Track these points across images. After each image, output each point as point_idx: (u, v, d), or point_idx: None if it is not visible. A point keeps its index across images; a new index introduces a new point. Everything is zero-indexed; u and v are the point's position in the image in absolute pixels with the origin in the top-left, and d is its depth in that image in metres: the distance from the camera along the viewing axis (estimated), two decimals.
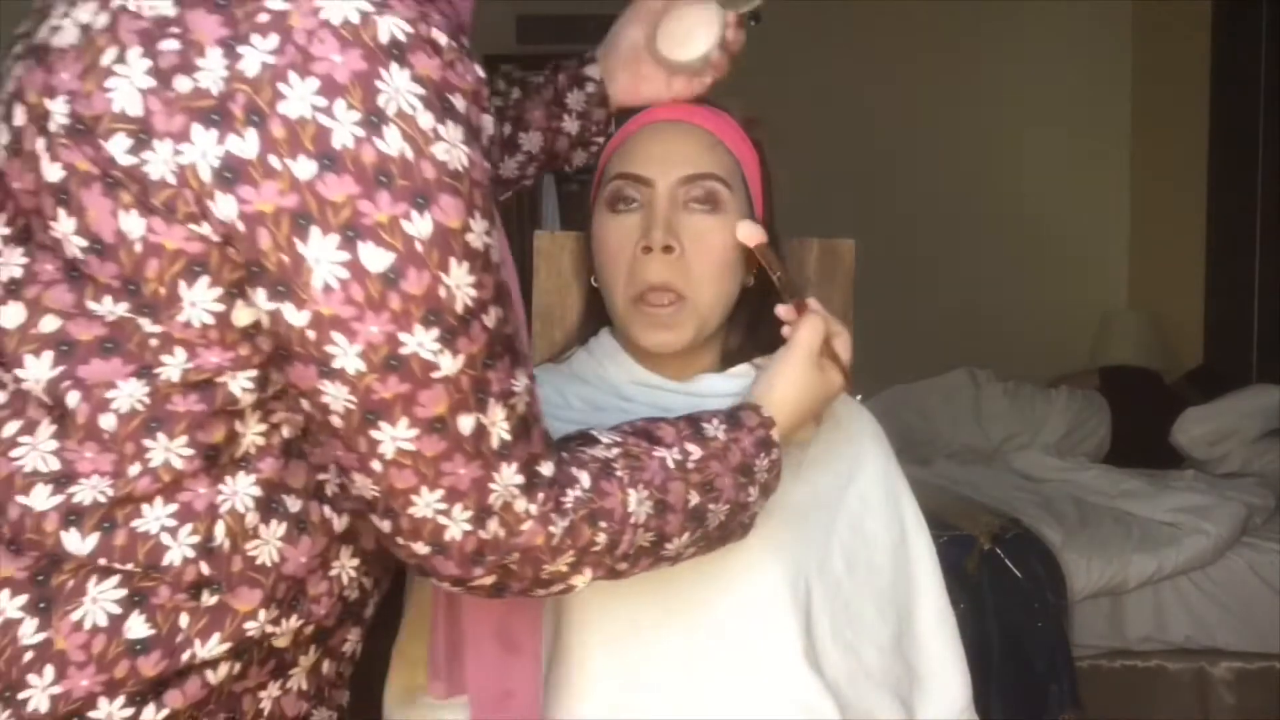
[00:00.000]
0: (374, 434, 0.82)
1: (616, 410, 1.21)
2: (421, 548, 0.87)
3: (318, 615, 0.92)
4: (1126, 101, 4.96)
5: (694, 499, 0.96)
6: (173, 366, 0.82)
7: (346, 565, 0.93)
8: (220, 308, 0.82)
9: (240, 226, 0.79)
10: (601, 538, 0.90)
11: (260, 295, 0.80)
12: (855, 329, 1.43)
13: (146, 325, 0.82)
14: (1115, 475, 3.27)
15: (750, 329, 1.25)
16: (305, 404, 0.84)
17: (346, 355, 0.80)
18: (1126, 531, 2.91)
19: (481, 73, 0.86)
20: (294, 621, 0.90)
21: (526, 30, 5.21)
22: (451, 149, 0.81)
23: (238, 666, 0.88)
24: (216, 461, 0.85)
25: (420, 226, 0.79)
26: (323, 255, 0.78)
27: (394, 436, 0.82)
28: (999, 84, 4.94)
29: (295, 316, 0.80)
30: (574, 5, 5.23)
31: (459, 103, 0.82)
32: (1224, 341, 4.24)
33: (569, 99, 1.29)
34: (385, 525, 0.87)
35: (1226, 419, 3.49)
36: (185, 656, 0.85)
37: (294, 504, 0.88)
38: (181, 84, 0.78)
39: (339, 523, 0.91)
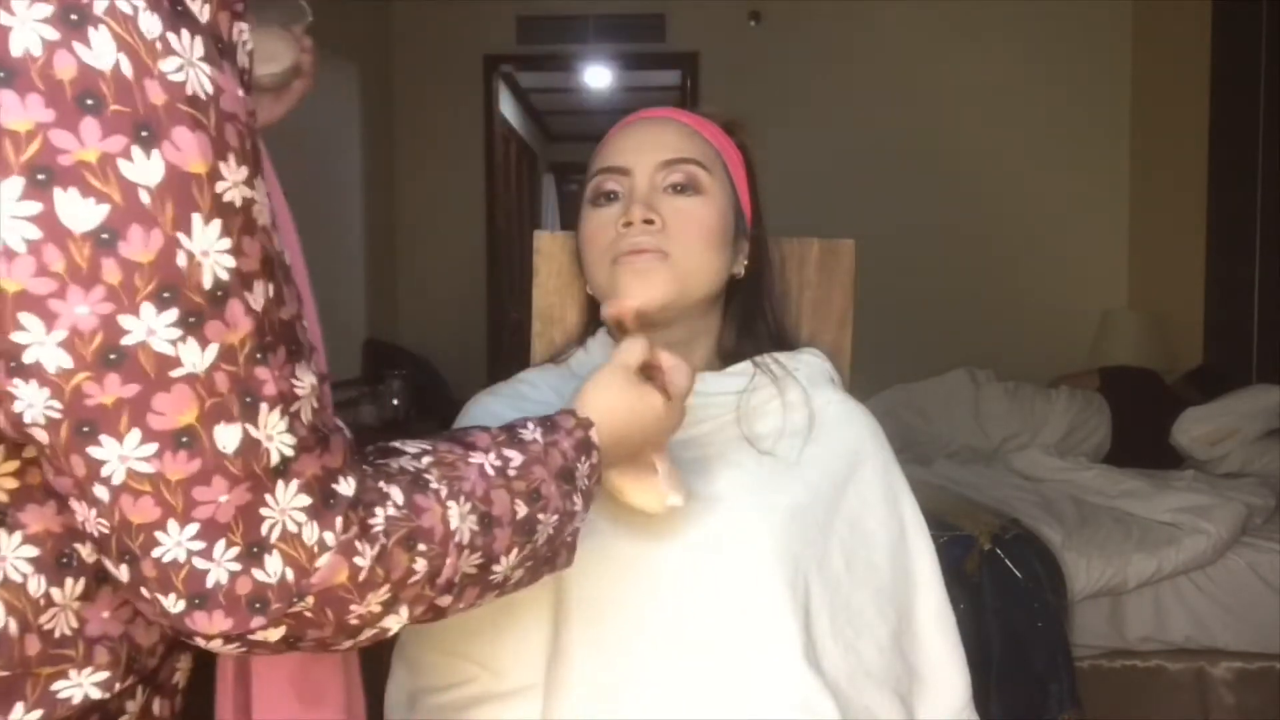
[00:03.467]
0: (93, 452, 0.62)
1: None
2: (175, 603, 0.65)
3: (153, 665, 0.76)
4: (1126, 101, 4.97)
5: (521, 509, 0.79)
6: None
7: None
8: None
9: None
10: (421, 564, 0.72)
11: None
12: (855, 329, 1.43)
13: None
14: (1115, 475, 3.27)
15: (745, 326, 1.26)
16: None
17: (44, 346, 0.60)
18: (1126, 531, 2.91)
19: None
20: (130, 681, 0.74)
21: (526, 30, 5.22)
22: (189, 67, 0.61)
23: None
24: None
25: (146, 169, 0.60)
26: (1, 206, 0.58)
27: (122, 455, 0.62)
28: (999, 83, 4.95)
29: None
30: (574, 5, 5.25)
31: (196, 4, 0.63)
32: (1224, 341, 4.25)
33: None
34: (123, 573, 0.65)
35: (1226, 419, 3.50)
36: None
37: (90, 552, 0.70)
38: None
39: None
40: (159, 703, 0.79)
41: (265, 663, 0.85)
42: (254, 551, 0.65)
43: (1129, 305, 4.92)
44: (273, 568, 0.66)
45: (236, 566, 0.65)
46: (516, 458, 0.81)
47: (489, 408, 1.24)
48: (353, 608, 0.69)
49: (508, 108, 6.92)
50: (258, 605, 0.66)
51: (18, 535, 0.68)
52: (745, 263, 1.23)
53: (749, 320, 1.26)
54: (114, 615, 0.72)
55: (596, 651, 1.12)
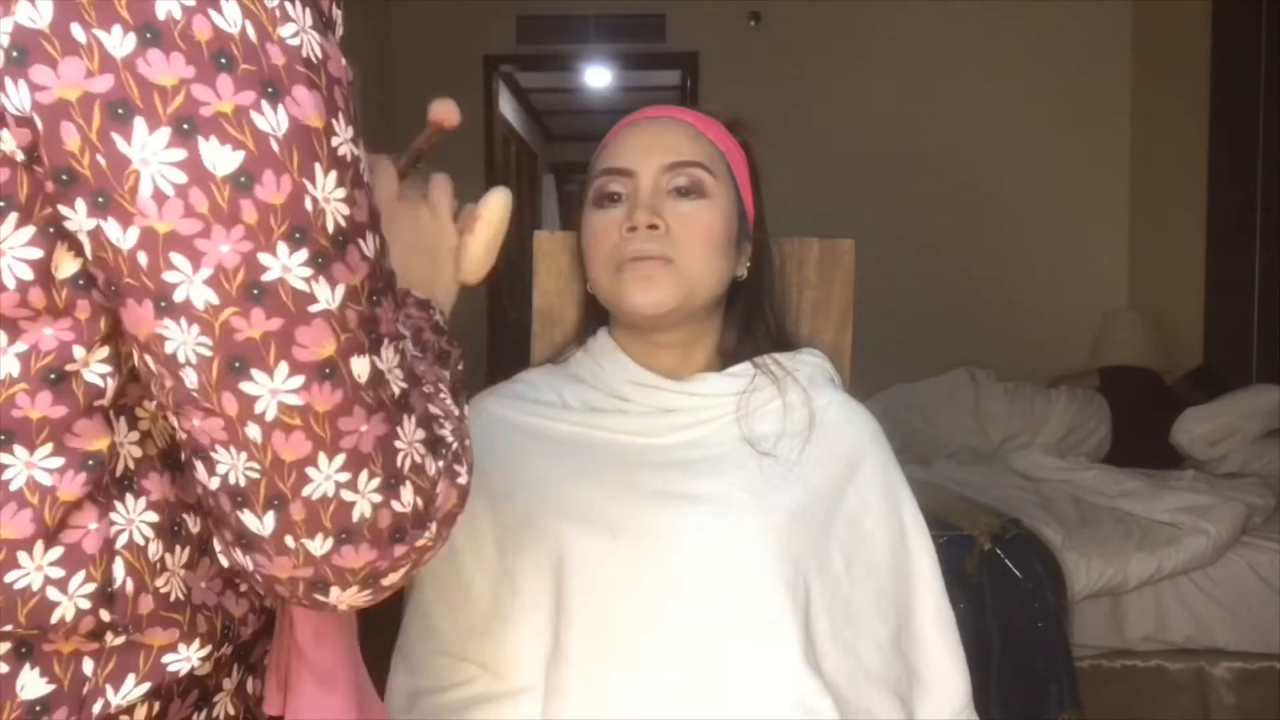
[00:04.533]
0: (246, 387, 0.64)
1: (615, 410, 1.21)
2: (322, 543, 0.67)
3: (245, 636, 0.80)
4: (1126, 101, 4.97)
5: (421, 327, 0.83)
6: None
7: None
8: (37, 254, 0.66)
9: (39, 121, 0.62)
10: (469, 441, 0.76)
11: (80, 209, 0.63)
12: (855, 329, 1.43)
13: None
14: (1115, 475, 3.27)
15: (746, 327, 1.26)
16: (149, 363, 0.66)
17: (192, 283, 0.63)
18: (1126, 531, 2.91)
19: None
20: (225, 650, 0.78)
21: (526, 30, 5.22)
22: (303, 33, 0.65)
23: (156, 706, 0.74)
24: (101, 482, 0.70)
25: (274, 121, 0.63)
26: (151, 153, 0.62)
27: (274, 389, 0.64)
28: (999, 83, 4.95)
29: (121, 235, 0.63)
30: (574, 5, 5.25)
31: None
32: (1224, 341, 4.25)
33: None
34: (267, 523, 0.67)
35: (1226, 419, 3.50)
36: (97, 708, 0.71)
37: (195, 523, 0.74)
38: None
39: None
40: (251, 682, 0.83)
41: (296, 646, 0.86)
42: (391, 483, 0.68)
43: (1129, 305, 4.92)
44: (406, 498, 0.69)
45: (378, 498, 0.67)
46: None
47: (489, 409, 1.24)
48: (460, 517, 0.74)
49: (508, 108, 6.93)
50: (397, 536, 0.69)
51: (143, 500, 0.72)
52: (748, 265, 1.23)
53: (750, 321, 1.26)
54: (209, 585, 0.75)
55: (596, 652, 1.12)
